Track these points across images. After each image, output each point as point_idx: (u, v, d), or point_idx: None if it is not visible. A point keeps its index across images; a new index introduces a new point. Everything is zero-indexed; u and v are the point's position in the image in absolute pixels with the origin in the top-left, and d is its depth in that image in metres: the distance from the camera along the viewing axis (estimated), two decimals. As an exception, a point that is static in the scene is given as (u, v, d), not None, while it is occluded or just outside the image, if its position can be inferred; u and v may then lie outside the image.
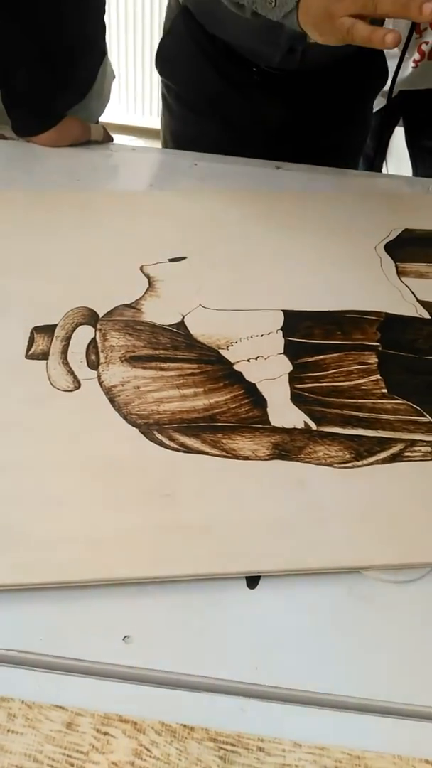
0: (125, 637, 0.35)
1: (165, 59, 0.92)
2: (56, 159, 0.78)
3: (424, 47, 1.48)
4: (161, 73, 0.94)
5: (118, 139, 0.91)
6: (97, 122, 1.01)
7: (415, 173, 1.80)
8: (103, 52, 0.96)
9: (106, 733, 0.30)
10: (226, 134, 0.83)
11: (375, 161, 1.80)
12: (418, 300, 0.61)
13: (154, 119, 2.35)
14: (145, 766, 0.30)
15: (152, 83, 2.36)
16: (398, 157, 1.97)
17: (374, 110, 1.56)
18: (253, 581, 0.38)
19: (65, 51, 0.82)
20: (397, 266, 0.65)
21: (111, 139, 0.83)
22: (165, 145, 0.99)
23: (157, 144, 1.06)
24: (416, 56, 1.49)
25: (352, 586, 0.38)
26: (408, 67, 1.51)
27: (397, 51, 1.50)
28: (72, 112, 0.86)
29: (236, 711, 0.32)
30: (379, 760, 0.31)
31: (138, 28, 2.31)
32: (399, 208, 0.74)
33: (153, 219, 0.69)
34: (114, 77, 1.03)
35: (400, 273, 0.64)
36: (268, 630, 0.36)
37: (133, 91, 2.42)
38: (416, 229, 0.70)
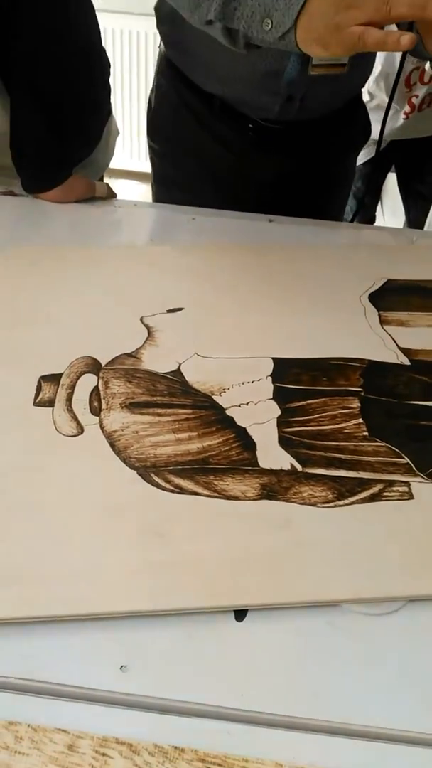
0: (122, 666, 0.38)
1: (156, 128, 0.98)
2: (63, 215, 0.84)
3: (414, 100, 1.57)
4: (152, 140, 1.00)
5: (120, 184, 0.97)
6: (102, 177, 1.07)
7: (408, 215, 1.88)
8: (108, 112, 1.03)
9: (104, 754, 0.33)
10: (220, 195, 0.88)
11: (365, 200, 1.88)
12: (398, 347, 0.65)
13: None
14: (139, 786, 0.33)
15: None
16: (394, 197, 2.04)
17: (365, 159, 1.65)
18: (240, 614, 0.41)
19: (73, 114, 0.89)
20: (380, 315, 0.69)
21: (114, 196, 0.89)
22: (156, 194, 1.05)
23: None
24: (407, 108, 1.58)
25: (332, 619, 0.41)
26: (399, 119, 1.59)
27: (382, 102, 1.58)
28: (78, 167, 0.92)
29: (223, 734, 0.35)
30: (354, 780, 0.34)
31: (134, 72, 2.42)
32: (383, 259, 0.79)
33: (153, 272, 0.74)
34: (118, 133, 1.10)
35: (382, 321, 0.68)
36: (254, 659, 0.39)
37: (129, 135, 2.53)
38: (398, 279, 0.75)
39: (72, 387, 0.57)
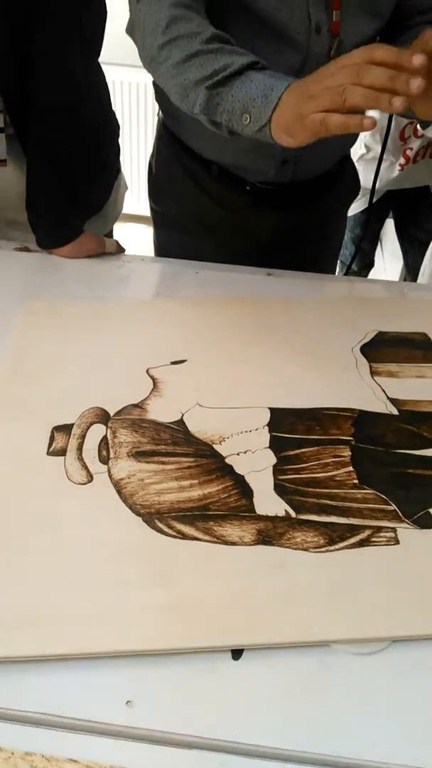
0: (128, 701, 0.41)
1: (157, 191, 1.04)
2: (75, 269, 0.90)
3: (408, 152, 1.65)
4: (155, 202, 1.06)
5: (127, 228, 1.03)
6: (111, 230, 1.14)
7: (405, 259, 1.95)
8: (117, 170, 1.10)
9: None
10: (220, 251, 0.94)
11: (363, 246, 1.95)
12: (388, 398, 0.69)
13: None
14: None
15: None
16: (393, 241, 2.12)
17: (363, 207, 1.72)
18: (237, 653, 0.45)
19: (85, 175, 0.95)
20: (370, 366, 0.74)
21: (123, 251, 0.95)
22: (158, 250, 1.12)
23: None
24: (402, 160, 1.66)
25: (322, 658, 0.45)
26: (395, 170, 1.67)
27: (378, 154, 1.66)
28: (89, 222, 0.98)
29: (220, 765, 0.38)
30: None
31: (141, 119, 2.52)
32: (375, 311, 0.84)
33: (158, 325, 0.79)
34: (126, 188, 1.17)
35: (373, 373, 0.73)
36: (249, 696, 0.42)
37: (137, 181, 2.63)
38: (389, 331, 0.80)
39: (82, 437, 0.62)
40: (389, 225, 2.05)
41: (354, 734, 0.41)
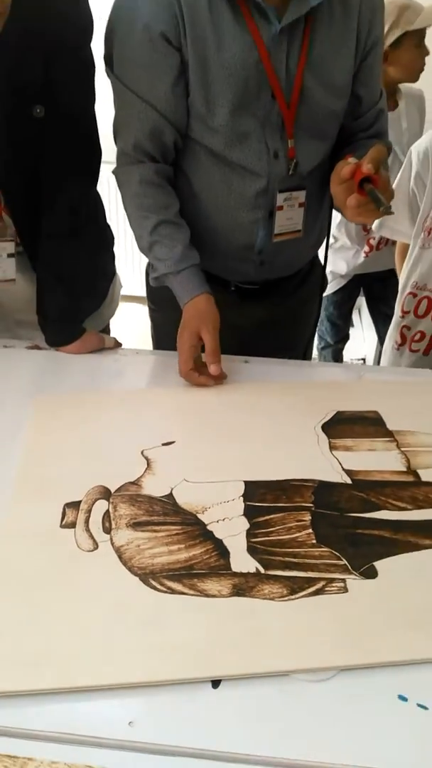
0: (130, 722, 0.52)
1: (153, 294, 1.22)
2: (79, 363, 1.05)
3: (372, 241, 1.85)
4: (152, 302, 1.24)
5: (123, 307, 1.20)
6: (109, 324, 1.30)
7: (378, 332, 2.13)
8: (113, 273, 1.27)
9: None
10: None
11: (338, 323, 2.16)
12: (343, 469, 0.83)
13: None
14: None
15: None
16: (368, 314, 2.32)
17: (335, 289, 1.93)
18: (216, 683, 0.56)
19: (87, 283, 1.12)
20: (330, 442, 0.88)
21: (120, 345, 1.10)
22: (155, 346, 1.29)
23: None
24: (366, 249, 1.86)
25: (282, 686, 0.56)
26: (360, 257, 1.88)
27: (345, 243, 1.88)
28: (89, 319, 1.14)
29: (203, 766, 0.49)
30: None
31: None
32: (335, 393, 0.99)
33: (151, 411, 0.94)
34: (121, 287, 1.34)
35: (332, 447, 0.87)
36: (225, 716, 0.54)
37: (131, 267, 2.85)
38: (346, 411, 0.94)
39: (89, 511, 0.74)
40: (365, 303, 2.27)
41: (309, 743, 0.52)
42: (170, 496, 0.77)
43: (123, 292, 1.33)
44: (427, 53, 1.76)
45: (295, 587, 0.66)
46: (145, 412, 0.94)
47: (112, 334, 1.24)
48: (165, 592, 0.64)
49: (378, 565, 0.68)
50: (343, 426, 0.91)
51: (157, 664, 0.57)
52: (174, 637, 0.60)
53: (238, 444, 0.87)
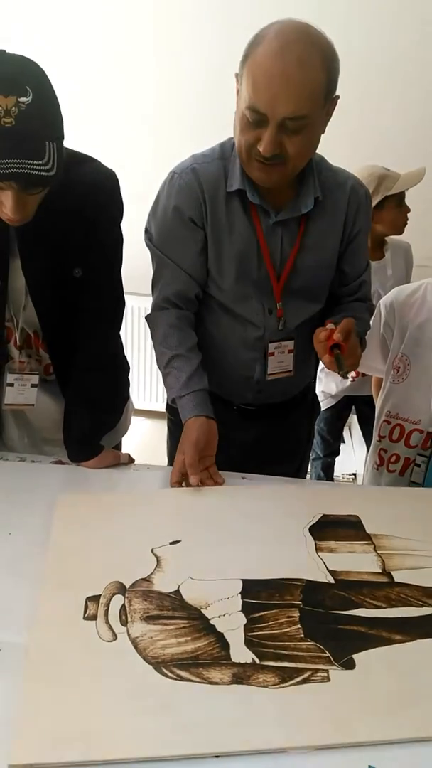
0: None
1: (173, 410, 1.37)
2: (97, 476, 1.19)
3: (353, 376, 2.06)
4: (171, 414, 1.41)
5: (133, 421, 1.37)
6: (120, 444, 1.44)
7: (368, 446, 2.33)
8: (127, 397, 1.44)
9: None
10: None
11: (329, 439, 2.38)
12: (327, 569, 0.95)
13: (160, 404, 3.08)
14: None
15: (161, 378, 3.15)
16: (359, 431, 2.54)
17: (327, 407, 2.14)
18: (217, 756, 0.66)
19: (108, 408, 1.29)
20: (316, 544, 1.00)
21: (133, 461, 1.25)
22: (169, 455, 1.44)
23: (163, 421, 1.52)
24: (353, 374, 2.07)
25: (276, 763, 0.67)
26: (348, 381, 2.09)
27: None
28: (106, 435, 1.28)
29: None
30: None
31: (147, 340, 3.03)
32: (320, 497, 1.12)
33: (160, 511, 1.07)
34: (133, 408, 1.50)
35: (317, 549, 0.99)
36: None
37: (147, 383, 3.11)
38: (331, 514, 1.07)
39: (107, 605, 0.86)
40: (357, 421, 2.49)
41: None
42: (177, 592, 0.89)
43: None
44: (408, 210, 2.06)
45: (285, 677, 0.77)
46: (154, 512, 1.07)
47: (124, 448, 1.40)
48: (174, 679, 0.75)
49: (356, 657, 0.80)
50: (328, 529, 1.04)
51: (167, 741, 0.68)
52: (183, 718, 0.71)
53: (236, 544, 0.99)
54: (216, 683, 0.75)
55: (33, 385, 1.21)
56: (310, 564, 0.96)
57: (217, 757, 0.66)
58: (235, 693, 0.74)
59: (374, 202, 1.94)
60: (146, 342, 2.97)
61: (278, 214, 1.19)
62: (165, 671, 0.76)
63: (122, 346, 1.35)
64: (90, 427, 1.22)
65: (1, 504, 1.09)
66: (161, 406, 3.05)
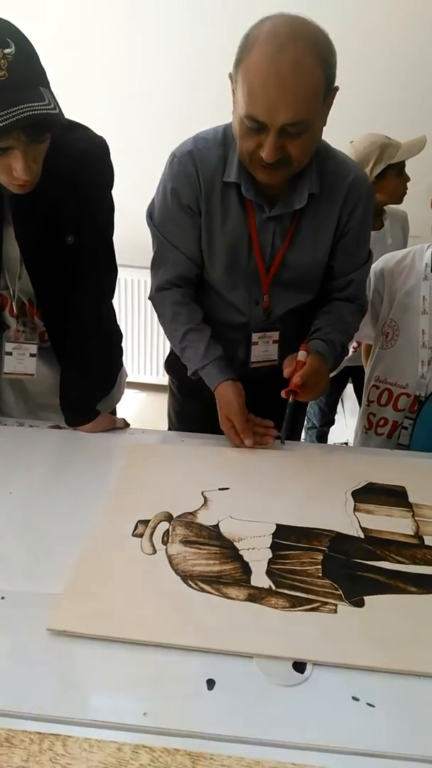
0: (144, 713, 0.71)
1: (170, 366, 1.48)
2: (93, 440, 1.27)
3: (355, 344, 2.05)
4: (169, 373, 1.52)
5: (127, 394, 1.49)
6: (115, 408, 1.54)
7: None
8: (120, 364, 1.52)
9: (135, 751, 0.66)
10: (210, 413, 1.30)
11: (325, 409, 2.45)
12: (360, 527, 1.01)
13: (154, 377, 3.22)
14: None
15: (155, 352, 3.24)
16: (352, 401, 2.64)
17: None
18: (210, 685, 0.74)
19: (101, 374, 1.37)
20: (355, 505, 1.06)
21: (128, 426, 1.33)
22: (169, 417, 1.57)
23: (157, 393, 1.63)
24: (354, 344, 2.07)
25: (266, 693, 0.75)
26: (350, 351, 2.08)
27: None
28: (100, 403, 1.36)
29: (197, 746, 0.67)
30: None
31: (143, 313, 3.15)
32: (371, 466, 1.17)
33: (216, 463, 1.18)
34: (126, 376, 1.59)
35: (355, 509, 1.05)
36: (219, 713, 0.71)
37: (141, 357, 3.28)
38: (377, 483, 1.12)
39: (154, 528, 0.99)
40: (349, 389, 2.54)
41: (298, 726, 0.69)
42: (216, 526, 1.00)
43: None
44: (408, 180, 2.05)
45: (296, 603, 0.85)
46: (209, 463, 1.18)
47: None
48: (197, 590, 0.86)
49: (367, 598, 0.86)
50: (370, 495, 1.09)
51: (182, 634, 0.79)
52: (198, 618, 0.81)
53: (278, 497, 1.08)
54: (232, 599, 0.85)
55: (32, 355, 1.26)
56: (345, 520, 1.02)
57: (209, 687, 0.74)
58: (247, 609, 0.84)
59: (377, 171, 1.97)
60: (140, 316, 3.13)
61: (272, 209, 1.19)
62: (191, 583, 0.88)
63: (114, 314, 1.41)
64: (86, 391, 1.28)
65: (2, 465, 1.15)
66: (155, 379, 3.26)
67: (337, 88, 1.06)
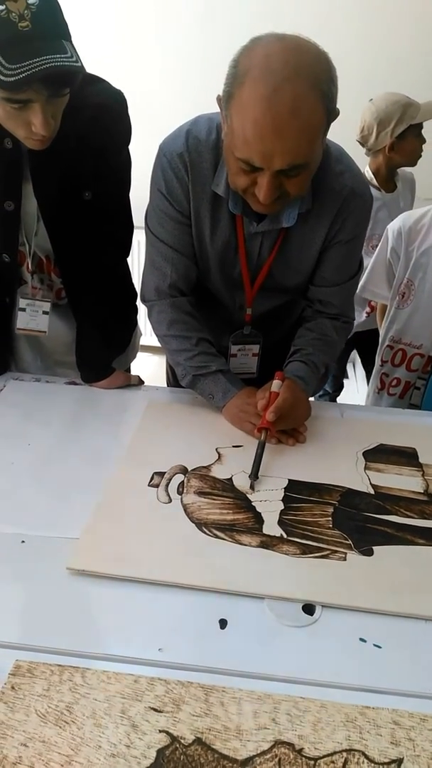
0: (160, 648, 0.74)
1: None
2: (108, 396, 1.29)
3: (373, 303, 2.05)
4: None
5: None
6: (130, 366, 1.56)
7: (368, 375, 2.41)
8: (135, 323, 1.53)
9: (152, 683, 0.70)
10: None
11: (334, 374, 2.49)
12: (370, 484, 1.03)
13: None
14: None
15: None
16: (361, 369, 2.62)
17: None
18: (223, 624, 0.77)
19: (118, 332, 1.39)
20: (366, 464, 1.08)
21: (143, 383, 1.35)
22: (167, 375, 1.57)
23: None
24: (368, 309, 2.07)
25: (271, 624, 0.78)
26: (362, 316, 2.10)
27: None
28: (115, 361, 1.38)
29: (208, 679, 0.72)
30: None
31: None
32: (382, 429, 1.19)
33: (230, 424, 1.20)
34: (141, 335, 1.60)
35: (366, 468, 1.07)
36: (233, 650, 0.75)
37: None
38: (388, 444, 1.14)
39: (169, 480, 1.02)
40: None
41: (307, 666, 0.72)
42: (230, 479, 1.02)
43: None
44: (424, 141, 2.06)
45: (306, 550, 0.87)
46: (225, 422, 1.20)
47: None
48: (211, 536, 0.89)
49: (375, 548, 0.88)
50: (381, 455, 1.12)
51: (196, 575, 0.82)
52: (211, 561, 0.84)
53: (291, 455, 1.11)
54: (245, 545, 0.88)
55: (45, 312, 1.27)
56: (355, 477, 1.05)
57: (222, 627, 0.77)
58: (259, 554, 0.87)
59: (398, 131, 1.98)
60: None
61: (260, 224, 1.13)
62: (205, 530, 0.90)
63: (129, 272, 1.40)
64: (101, 348, 1.29)
65: (20, 419, 1.18)
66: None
67: (338, 114, 0.95)
